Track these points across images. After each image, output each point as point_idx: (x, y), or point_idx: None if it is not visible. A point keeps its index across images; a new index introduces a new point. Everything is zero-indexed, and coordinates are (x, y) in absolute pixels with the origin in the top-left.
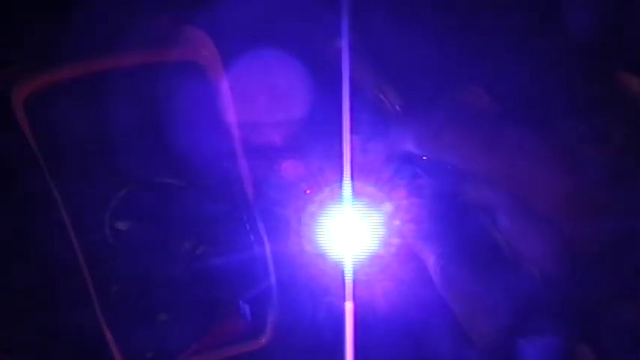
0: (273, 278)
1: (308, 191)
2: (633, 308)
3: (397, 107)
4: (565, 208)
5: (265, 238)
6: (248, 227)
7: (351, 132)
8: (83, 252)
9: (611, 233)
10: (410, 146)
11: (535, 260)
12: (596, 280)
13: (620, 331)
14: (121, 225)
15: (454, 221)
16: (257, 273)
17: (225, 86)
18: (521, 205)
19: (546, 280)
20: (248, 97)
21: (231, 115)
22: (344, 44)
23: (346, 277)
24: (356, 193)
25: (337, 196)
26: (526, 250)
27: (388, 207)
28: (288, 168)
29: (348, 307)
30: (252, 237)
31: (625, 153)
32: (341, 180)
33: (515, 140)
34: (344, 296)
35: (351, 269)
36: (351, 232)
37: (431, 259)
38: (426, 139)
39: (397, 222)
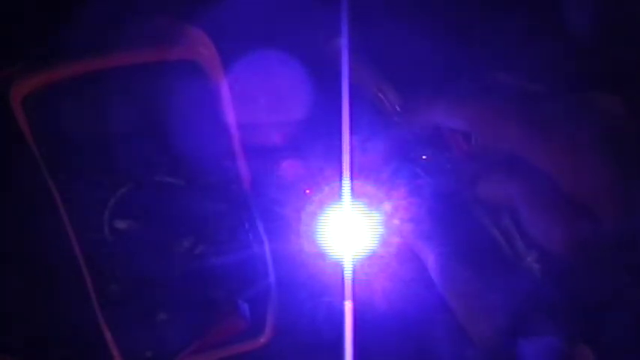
0: (272, 277)
1: (308, 191)
2: (633, 308)
3: (397, 107)
4: (593, 198)
5: (264, 238)
6: (247, 226)
7: (351, 132)
8: (82, 251)
9: (614, 232)
10: (440, 118)
11: (552, 251)
12: (597, 279)
13: (620, 331)
14: (120, 224)
15: (454, 221)
16: (256, 272)
17: (224, 85)
18: (543, 193)
19: (548, 279)
20: (247, 96)
21: (230, 114)
22: (343, 44)
23: (345, 277)
24: (355, 193)
25: (337, 196)
26: (544, 240)
27: (387, 206)
28: (288, 168)
29: (348, 306)
30: (251, 236)
31: None
32: (340, 180)
33: (551, 117)
34: (343, 296)
35: (351, 268)
36: (351, 231)
37: (430, 259)
38: (458, 110)
39: (396, 221)
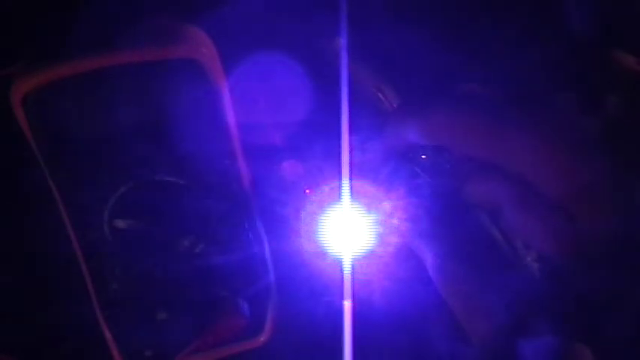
0: (272, 276)
1: (308, 191)
2: (633, 308)
3: (395, 106)
4: (571, 200)
5: (264, 237)
6: (247, 225)
7: (350, 132)
8: (82, 250)
9: (615, 232)
10: (412, 138)
11: (541, 252)
12: (597, 279)
13: (620, 331)
14: (120, 223)
15: (453, 220)
16: (256, 271)
17: (224, 85)
18: (528, 195)
19: (547, 279)
20: (247, 97)
21: (230, 113)
22: (342, 44)
23: (345, 276)
24: (355, 193)
25: (336, 196)
26: (533, 242)
27: (387, 206)
28: (288, 168)
29: (347, 305)
30: (251, 235)
31: (619, 122)
32: (340, 179)
33: (519, 124)
34: (343, 295)
35: (350, 268)
36: (350, 230)
37: (429, 258)
38: (428, 129)
39: (396, 221)
